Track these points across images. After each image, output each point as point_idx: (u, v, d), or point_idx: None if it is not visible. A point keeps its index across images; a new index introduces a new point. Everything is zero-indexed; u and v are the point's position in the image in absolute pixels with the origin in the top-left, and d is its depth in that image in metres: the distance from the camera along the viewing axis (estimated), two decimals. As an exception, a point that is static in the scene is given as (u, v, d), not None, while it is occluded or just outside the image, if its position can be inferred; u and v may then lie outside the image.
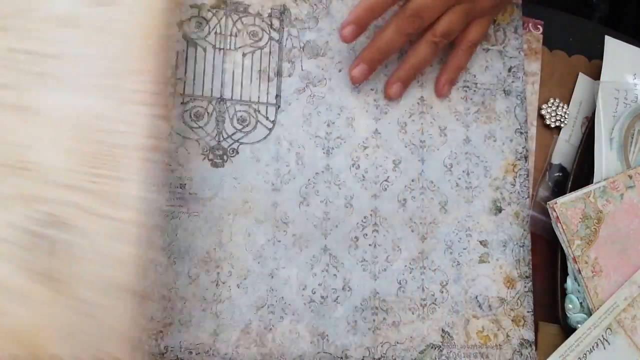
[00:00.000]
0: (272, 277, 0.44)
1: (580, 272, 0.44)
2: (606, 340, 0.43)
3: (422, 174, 0.47)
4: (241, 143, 0.45)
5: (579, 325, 0.45)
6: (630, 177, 0.47)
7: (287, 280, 0.45)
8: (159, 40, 0.36)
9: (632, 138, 0.49)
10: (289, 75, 0.46)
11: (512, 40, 0.51)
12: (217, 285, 0.44)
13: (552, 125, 0.51)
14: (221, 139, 0.45)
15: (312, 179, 0.46)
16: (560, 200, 0.45)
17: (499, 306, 0.46)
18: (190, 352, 0.43)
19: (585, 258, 0.44)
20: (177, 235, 0.43)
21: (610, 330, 0.44)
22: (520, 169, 0.49)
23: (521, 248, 0.48)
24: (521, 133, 0.49)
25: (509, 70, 0.50)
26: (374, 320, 0.45)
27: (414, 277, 0.46)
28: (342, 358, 0.44)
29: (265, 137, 0.46)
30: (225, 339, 0.43)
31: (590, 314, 0.44)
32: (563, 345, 0.44)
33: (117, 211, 0.34)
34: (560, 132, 0.51)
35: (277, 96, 0.46)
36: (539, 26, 0.53)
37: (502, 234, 0.48)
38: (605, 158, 0.47)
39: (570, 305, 0.45)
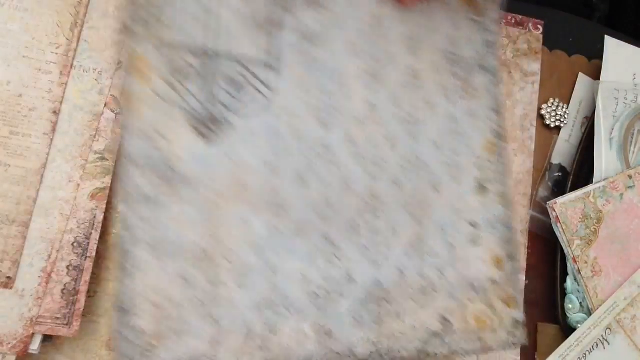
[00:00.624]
0: (275, 272, 0.39)
1: (580, 272, 0.46)
2: (606, 340, 0.45)
3: (413, 152, 0.46)
4: (236, 114, 0.38)
5: (579, 325, 0.46)
6: (630, 177, 0.49)
7: (290, 276, 0.40)
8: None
9: (632, 138, 0.51)
10: (288, 33, 0.41)
11: (490, 13, 0.51)
12: (214, 285, 0.37)
13: (552, 125, 0.53)
14: (213, 106, 0.38)
15: (311, 157, 0.41)
16: (560, 200, 0.47)
17: (491, 288, 0.47)
18: (190, 368, 0.36)
19: (585, 258, 0.45)
20: (166, 228, 0.36)
21: (610, 330, 0.45)
22: (499, 147, 0.49)
23: (507, 228, 0.49)
24: (498, 112, 0.50)
25: (488, 44, 0.50)
26: (378, 313, 0.43)
27: (413, 263, 0.45)
28: (349, 356, 0.41)
29: (262, 108, 0.40)
30: (227, 348, 0.38)
31: (590, 314, 0.45)
32: (563, 345, 0.45)
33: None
34: (560, 132, 0.53)
35: (276, 57, 0.40)
36: (539, 26, 0.54)
37: (488, 214, 0.49)
38: (605, 158, 0.49)
39: (570, 305, 0.47)
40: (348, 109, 0.44)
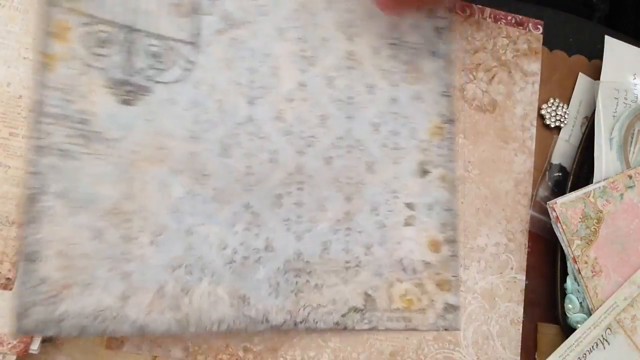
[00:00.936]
0: (190, 234, 0.42)
1: (580, 272, 0.46)
2: (606, 340, 0.45)
3: (349, 132, 0.48)
4: (155, 82, 0.42)
5: (579, 325, 0.46)
6: (630, 177, 0.49)
7: (206, 238, 0.43)
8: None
9: (632, 138, 0.51)
10: (209, 14, 0.45)
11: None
12: (126, 241, 0.41)
13: (552, 125, 0.53)
14: (131, 73, 0.42)
15: (234, 129, 0.44)
16: (560, 200, 0.47)
17: (423, 270, 0.48)
18: (95, 318, 0.39)
19: (585, 258, 0.46)
20: (78, 181, 0.40)
21: (610, 330, 0.45)
22: (447, 132, 0.50)
23: (447, 212, 0.50)
24: (447, 96, 0.51)
25: (437, 30, 0.51)
26: (296, 283, 0.45)
27: (338, 238, 0.46)
28: (262, 322, 0.43)
29: (182, 79, 0.43)
30: (136, 303, 0.41)
31: (590, 314, 0.46)
32: (563, 345, 0.45)
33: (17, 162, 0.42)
34: (560, 132, 0.53)
35: (197, 35, 0.44)
36: (539, 26, 0.55)
37: (428, 197, 0.49)
38: (605, 158, 0.49)
39: (570, 305, 0.47)
40: (276, 87, 0.48)
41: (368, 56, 0.51)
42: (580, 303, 0.46)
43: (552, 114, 0.53)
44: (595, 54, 0.55)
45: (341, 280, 0.47)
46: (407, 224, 0.50)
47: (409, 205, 0.51)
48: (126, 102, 0.43)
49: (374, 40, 0.52)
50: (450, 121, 0.53)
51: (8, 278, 0.41)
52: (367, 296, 0.47)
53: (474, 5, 0.56)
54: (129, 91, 0.43)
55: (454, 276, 0.50)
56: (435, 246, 0.50)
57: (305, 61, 0.49)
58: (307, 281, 0.46)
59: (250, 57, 0.48)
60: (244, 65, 0.47)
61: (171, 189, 0.44)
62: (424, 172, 0.52)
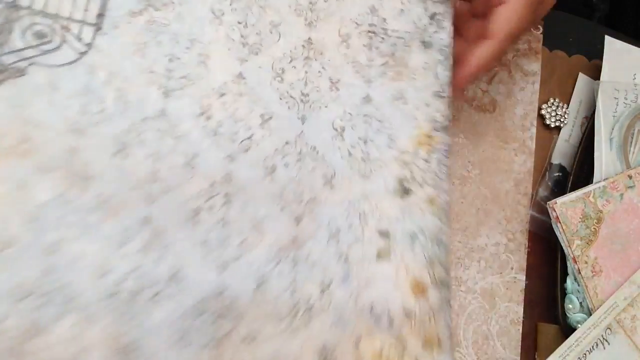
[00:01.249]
0: (52, 252, 0.30)
1: (580, 272, 0.46)
2: (606, 340, 0.45)
3: (301, 136, 0.36)
4: (33, 63, 0.33)
5: (579, 325, 0.45)
6: (630, 177, 0.49)
7: (76, 260, 0.30)
8: None
9: (632, 138, 0.51)
10: None
11: None
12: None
13: (552, 125, 0.53)
14: (2, 52, 0.33)
15: (138, 124, 0.33)
16: (560, 200, 0.47)
17: (403, 322, 0.33)
18: None
19: (585, 258, 0.46)
20: None
21: (610, 330, 0.45)
22: (438, 142, 0.37)
23: (437, 245, 0.35)
24: (441, 97, 0.39)
25: (432, 17, 0.40)
26: (215, 332, 0.31)
27: (280, 272, 0.33)
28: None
29: (72, 62, 0.34)
30: None
31: (590, 314, 0.45)
32: (563, 345, 0.44)
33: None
34: (560, 132, 0.53)
35: (100, 15, 0.35)
36: (539, 26, 0.55)
37: (409, 224, 0.36)
38: (605, 158, 0.49)
39: (570, 305, 0.46)
40: (204, 79, 0.38)
41: (333, 45, 0.41)
42: (580, 303, 0.46)
43: (552, 114, 0.53)
44: (595, 54, 0.55)
45: (284, 330, 0.33)
46: (381, 257, 0.36)
47: (383, 233, 0.37)
48: (-11, 85, 0.34)
49: (342, 27, 0.41)
50: (444, 129, 0.40)
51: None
52: (325, 355, 0.32)
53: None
54: (-5, 72, 0.34)
55: (445, 331, 0.34)
56: (420, 289, 0.36)
57: (245, 49, 0.39)
58: (233, 330, 0.32)
59: (170, 43, 0.38)
60: (162, 52, 0.38)
61: (33, 191, 0.33)
62: (405, 192, 0.38)
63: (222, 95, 0.38)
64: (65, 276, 0.32)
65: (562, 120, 0.53)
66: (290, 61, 0.40)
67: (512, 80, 0.53)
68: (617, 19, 0.79)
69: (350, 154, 0.38)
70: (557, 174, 0.52)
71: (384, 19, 0.42)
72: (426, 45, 0.42)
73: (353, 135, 0.39)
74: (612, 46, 0.54)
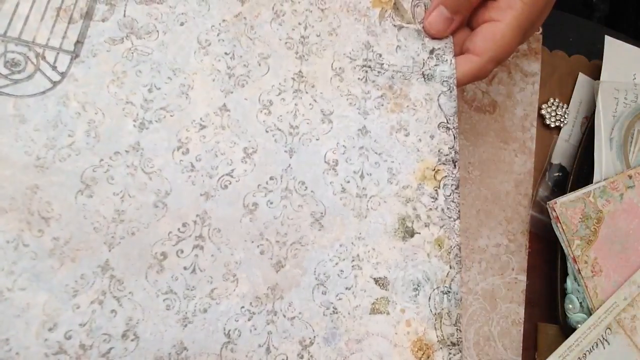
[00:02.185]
0: None
1: (580, 272, 0.43)
2: (606, 340, 0.42)
3: (288, 171, 0.29)
4: (2, 93, 0.27)
5: (579, 325, 0.42)
6: (630, 177, 0.46)
7: (22, 312, 0.24)
8: None
9: (632, 138, 0.48)
10: (103, 20, 0.30)
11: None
12: None
13: (552, 125, 0.49)
14: None
15: (108, 159, 0.27)
16: (560, 200, 0.43)
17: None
18: None
19: (585, 258, 0.43)
20: None
21: (610, 330, 0.42)
22: (446, 176, 0.30)
23: (446, 295, 0.27)
24: (448, 128, 0.31)
25: (431, 52, 0.33)
26: None
27: (254, 326, 0.26)
28: None
29: (44, 92, 0.28)
30: None
31: (590, 314, 0.42)
32: (563, 345, 0.41)
33: None
34: (560, 132, 0.49)
35: (78, 43, 0.30)
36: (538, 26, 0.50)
37: (413, 271, 0.28)
38: (605, 158, 0.46)
39: (570, 305, 0.43)
40: (184, 110, 0.31)
41: (325, 78, 0.34)
42: (580, 303, 0.43)
43: (552, 114, 0.49)
44: (595, 54, 0.52)
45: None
46: (376, 311, 0.28)
47: (380, 282, 0.29)
48: (-47, 118, 0.28)
49: (336, 61, 0.35)
50: (451, 162, 0.32)
51: None
52: None
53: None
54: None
55: None
56: (425, 351, 0.27)
57: (231, 80, 0.33)
58: (191, 396, 0.25)
59: (151, 72, 0.32)
60: (141, 82, 0.32)
61: (-15, 234, 0.27)
62: (408, 233, 0.30)
63: (203, 127, 0.31)
64: (9, 330, 0.25)
65: (562, 120, 0.49)
66: (279, 94, 0.33)
67: (512, 81, 0.49)
68: (617, 19, 0.74)
69: (343, 189, 0.31)
70: (557, 174, 0.48)
71: (380, 55, 0.35)
72: (427, 77, 0.35)
73: (348, 169, 0.32)
74: (612, 46, 0.51)
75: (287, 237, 0.29)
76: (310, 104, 0.33)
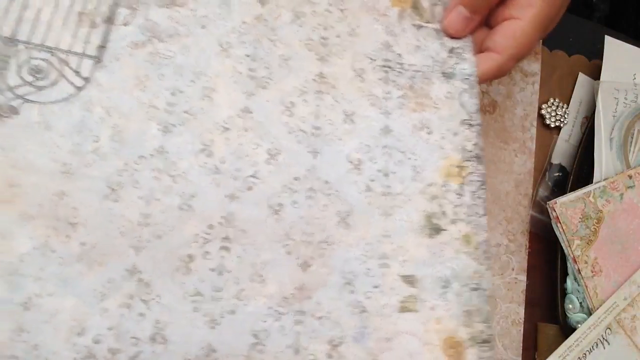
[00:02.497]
0: (27, 308, 0.23)
1: (580, 272, 0.42)
2: (606, 340, 0.41)
3: (312, 171, 0.28)
4: (27, 100, 0.27)
5: (579, 325, 0.41)
6: (630, 177, 0.45)
7: (51, 317, 0.23)
8: None
9: (632, 138, 0.47)
10: (125, 24, 0.30)
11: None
12: None
13: (552, 125, 0.48)
14: None
15: (133, 163, 0.26)
16: (560, 200, 0.42)
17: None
18: None
19: (585, 258, 0.42)
20: None
21: (610, 330, 0.41)
22: (471, 173, 0.29)
23: (475, 292, 0.26)
24: (471, 125, 0.30)
25: (451, 51, 0.32)
26: None
27: (282, 327, 0.25)
28: None
29: (68, 98, 0.27)
30: None
31: (590, 314, 0.42)
32: (563, 345, 0.40)
33: None
34: (560, 132, 0.48)
35: (101, 47, 0.29)
36: None
37: (440, 268, 0.27)
38: (605, 158, 0.45)
39: (570, 305, 0.42)
40: (207, 113, 0.30)
41: (346, 79, 0.33)
42: (580, 303, 0.42)
43: (552, 114, 0.48)
44: (595, 54, 0.50)
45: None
46: (406, 309, 0.27)
47: (408, 280, 0.28)
48: (-24, 127, 0.28)
49: (356, 62, 0.34)
50: (477, 158, 0.31)
51: None
52: None
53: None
54: (-17, 113, 0.28)
55: None
56: (454, 348, 0.26)
57: (253, 82, 0.32)
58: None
59: (174, 76, 0.31)
60: (164, 85, 0.31)
61: (14, 241, 0.26)
62: (434, 230, 0.29)
63: (226, 130, 0.30)
64: (38, 335, 0.24)
65: (562, 120, 0.47)
66: (301, 95, 0.32)
67: (512, 81, 0.47)
68: (617, 19, 0.72)
69: (368, 188, 0.30)
70: (557, 174, 0.47)
71: (399, 55, 0.34)
72: (448, 76, 0.34)
73: (372, 167, 0.30)
74: (612, 46, 0.49)
75: (313, 236, 0.28)
76: (332, 105, 0.32)
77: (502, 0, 0.35)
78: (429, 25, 0.36)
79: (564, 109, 0.48)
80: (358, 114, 0.32)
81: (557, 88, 0.49)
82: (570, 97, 0.50)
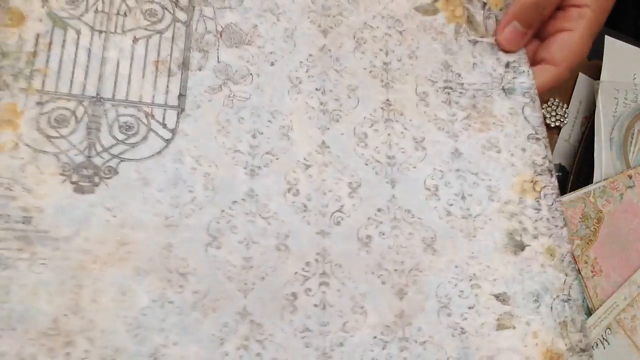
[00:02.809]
0: (155, 359, 0.24)
1: (580, 272, 0.41)
2: (606, 340, 0.41)
3: (393, 201, 0.29)
4: (123, 159, 0.27)
5: None
6: (630, 177, 0.44)
7: None
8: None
9: (632, 138, 0.46)
10: (200, 69, 0.30)
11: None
12: (63, 372, 0.24)
13: (552, 125, 0.46)
14: (93, 153, 0.27)
15: (228, 209, 0.27)
16: (560, 200, 0.39)
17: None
18: None
19: (585, 258, 0.41)
20: (8, 295, 0.24)
21: (610, 330, 0.41)
22: (545, 186, 0.29)
23: (566, 303, 0.27)
24: (537, 139, 0.31)
25: (507, 65, 0.32)
26: None
27: (389, 354, 0.26)
28: None
29: (160, 152, 0.28)
30: None
31: (590, 314, 0.41)
32: None
33: None
34: (560, 132, 0.47)
35: (181, 96, 0.30)
36: None
37: (530, 283, 0.28)
38: (604, 158, 0.45)
39: None
40: (287, 152, 0.31)
41: (412, 104, 0.33)
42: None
43: (552, 114, 0.47)
44: (595, 54, 0.49)
45: None
46: (503, 326, 0.28)
47: (502, 298, 0.29)
48: (83, 191, 0.29)
49: (419, 85, 0.34)
50: (548, 171, 0.32)
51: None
52: None
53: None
54: (86, 176, 0.29)
55: None
56: (555, 359, 0.27)
57: (326, 116, 0.32)
58: None
59: (252, 118, 0.32)
60: (244, 128, 0.31)
61: (134, 297, 0.27)
62: (518, 247, 0.30)
63: (308, 167, 0.31)
64: (170, 383, 0.26)
65: (562, 120, 0.47)
66: (372, 125, 0.32)
67: None
68: (617, 19, 0.68)
69: (448, 212, 0.31)
70: (557, 174, 0.46)
71: (459, 74, 0.34)
72: (508, 92, 0.34)
73: (448, 192, 0.31)
74: (612, 46, 0.49)
75: (404, 264, 0.29)
76: (401, 132, 0.32)
77: (553, 14, 0.35)
78: (484, 39, 0.36)
79: (564, 109, 0.47)
80: (428, 140, 0.32)
81: (557, 88, 0.47)
82: (570, 97, 0.49)
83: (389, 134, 0.32)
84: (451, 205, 0.31)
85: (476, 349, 0.27)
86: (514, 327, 0.28)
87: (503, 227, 0.30)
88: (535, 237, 0.30)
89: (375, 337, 0.28)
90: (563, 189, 0.45)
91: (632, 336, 0.42)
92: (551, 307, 0.29)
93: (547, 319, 0.28)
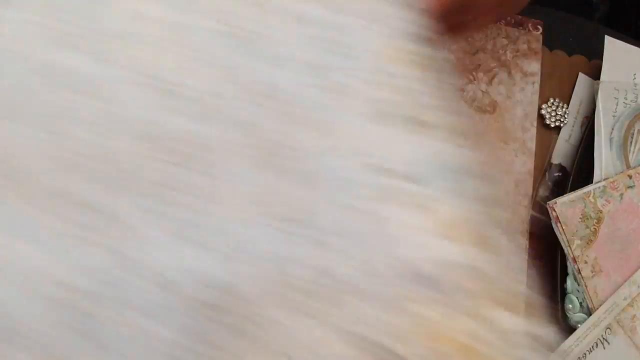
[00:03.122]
0: None
1: (580, 272, 0.41)
2: (606, 340, 0.40)
3: (260, 79, 0.25)
4: None
5: (579, 325, 0.40)
6: (630, 177, 0.44)
7: (15, 274, 0.18)
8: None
9: (632, 138, 0.46)
10: None
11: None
12: None
13: (552, 125, 0.47)
14: None
15: (61, 91, 0.22)
16: (560, 200, 0.42)
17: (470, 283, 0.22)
18: None
19: (585, 258, 0.41)
20: None
21: (610, 330, 0.40)
22: (412, 54, 0.28)
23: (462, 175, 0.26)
24: (413, 8, 0.30)
25: None
26: (218, 332, 0.19)
27: (287, 246, 0.21)
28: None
29: None
30: None
31: (590, 314, 0.41)
32: (562, 345, 0.40)
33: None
34: (560, 132, 0.47)
35: None
36: (538, 26, 0.49)
37: (435, 159, 0.26)
38: (605, 158, 0.44)
39: (570, 305, 0.41)
40: (126, 32, 0.25)
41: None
42: (580, 303, 0.42)
43: (552, 114, 0.47)
44: (595, 54, 0.50)
45: (309, 317, 0.21)
46: (418, 207, 0.25)
47: (407, 177, 0.26)
48: None
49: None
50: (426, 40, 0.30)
51: None
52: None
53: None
54: None
55: (519, 286, 0.23)
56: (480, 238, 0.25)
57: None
58: (237, 325, 0.20)
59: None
60: (73, 12, 0.25)
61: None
62: (419, 123, 0.28)
63: (160, 47, 0.25)
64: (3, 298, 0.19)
65: (562, 120, 0.47)
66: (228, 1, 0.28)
67: (512, 81, 0.47)
68: (617, 19, 0.72)
69: (329, 88, 0.27)
70: (557, 174, 0.46)
71: None
72: None
73: (323, 65, 0.28)
74: (612, 46, 0.49)
75: (289, 150, 0.24)
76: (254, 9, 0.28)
77: None
78: None
79: (564, 109, 0.47)
80: (292, 11, 0.28)
81: (557, 88, 0.48)
82: (570, 97, 0.49)
83: (249, 11, 0.28)
84: (329, 78, 0.27)
85: (381, 229, 0.24)
86: (426, 206, 0.25)
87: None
88: (433, 112, 0.28)
89: (267, 226, 0.23)
90: (563, 189, 0.44)
91: (632, 336, 0.41)
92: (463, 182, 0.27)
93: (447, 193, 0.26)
